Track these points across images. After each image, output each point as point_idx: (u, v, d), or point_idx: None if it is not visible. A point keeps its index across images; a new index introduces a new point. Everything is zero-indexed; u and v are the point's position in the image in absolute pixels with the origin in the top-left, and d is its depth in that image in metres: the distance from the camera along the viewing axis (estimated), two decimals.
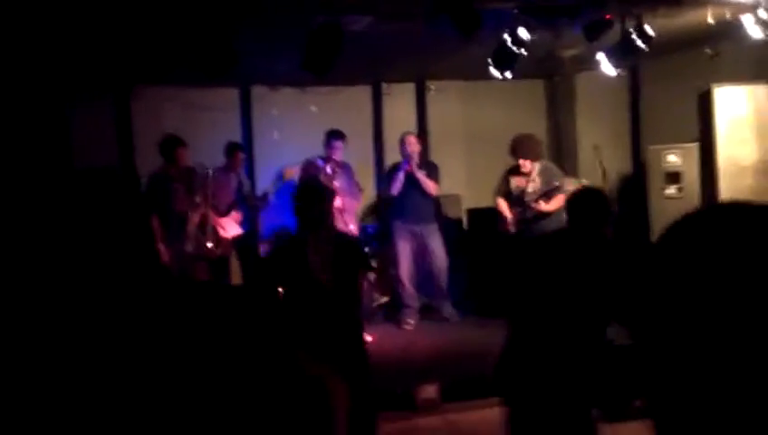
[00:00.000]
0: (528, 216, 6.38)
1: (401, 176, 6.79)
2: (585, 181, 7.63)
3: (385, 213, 8.28)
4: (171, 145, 6.29)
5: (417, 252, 6.95)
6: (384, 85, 8.76)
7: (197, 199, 6.23)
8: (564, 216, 6.82)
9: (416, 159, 6.86)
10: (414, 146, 6.86)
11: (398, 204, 6.94)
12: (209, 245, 6.32)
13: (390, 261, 7.76)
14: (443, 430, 4.89)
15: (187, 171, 6.34)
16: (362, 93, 8.75)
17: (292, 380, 1.31)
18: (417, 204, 6.85)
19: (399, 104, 8.82)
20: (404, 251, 6.90)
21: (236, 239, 6.78)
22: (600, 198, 3.62)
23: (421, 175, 6.80)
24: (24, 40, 5.51)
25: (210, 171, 6.51)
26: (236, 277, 6.98)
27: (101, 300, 1.33)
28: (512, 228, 6.46)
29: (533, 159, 6.45)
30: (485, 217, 7.26)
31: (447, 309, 7.03)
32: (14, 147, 6.39)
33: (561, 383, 3.18)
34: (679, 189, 7.01)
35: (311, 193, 4.12)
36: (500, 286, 6.38)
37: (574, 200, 3.61)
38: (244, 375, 1.26)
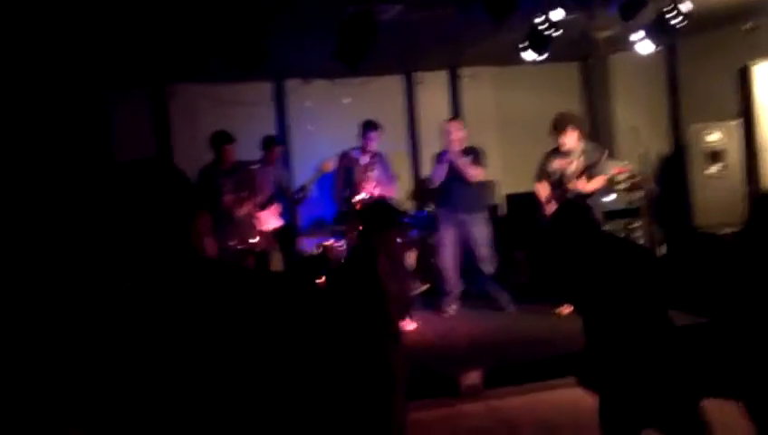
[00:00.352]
0: (568, 196, 6.30)
1: (443, 166, 6.75)
2: (626, 163, 7.55)
3: (427, 200, 8.30)
4: (220, 140, 6.41)
5: (461, 240, 6.90)
6: (416, 74, 8.75)
7: (244, 194, 6.31)
8: (602, 198, 6.80)
9: (457, 146, 6.78)
10: (456, 133, 6.77)
11: (443, 192, 6.89)
12: (253, 240, 6.39)
13: (432, 249, 7.77)
14: (486, 416, 4.88)
15: (235, 166, 6.43)
16: (395, 83, 8.75)
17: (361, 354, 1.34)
18: (461, 192, 6.79)
19: (432, 92, 8.81)
20: (447, 238, 6.87)
21: (277, 232, 6.85)
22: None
23: (461, 162, 6.72)
24: (62, 38, 5.61)
25: (255, 167, 6.58)
26: (277, 270, 7.04)
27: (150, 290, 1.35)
28: (549, 209, 6.37)
29: (577, 130, 6.34)
30: (523, 203, 7.22)
31: (504, 299, 6.95)
32: (59, 143, 6.55)
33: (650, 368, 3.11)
34: (722, 168, 6.87)
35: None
36: (556, 276, 6.35)
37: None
38: (315, 351, 1.29)
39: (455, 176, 6.74)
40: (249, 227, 6.38)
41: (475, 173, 6.75)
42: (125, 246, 1.39)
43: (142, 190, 1.41)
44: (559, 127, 6.32)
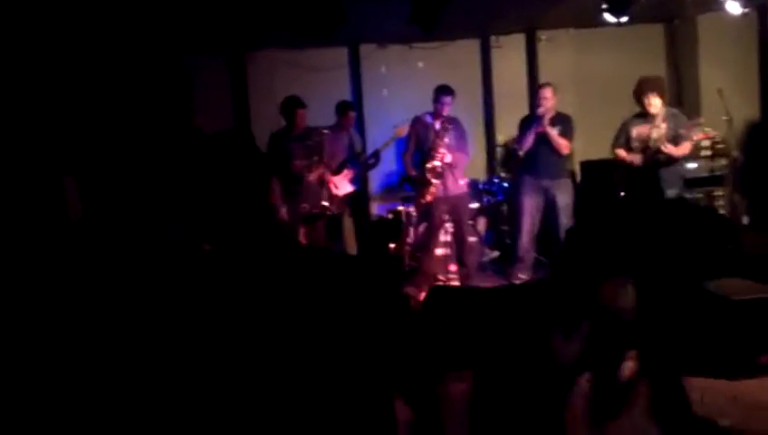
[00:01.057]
0: (658, 159, 6.10)
1: (532, 135, 6.63)
2: (709, 130, 7.27)
3: (502, 167, 8.20)
4: (292, 105, 6.44)
5: (543, 208, 6.79)
6: (493, 38, 8.60)
7: (315, 159, 6.38)
8: (685, 165, 6.56)
9: (549, 114, 6.64)
10: (549, 101, 6.57)
11: (528, 158, 6.76)
12: (325, 203, 6.47)
13: (503, 216, 7.70)
14: None
15: (306, 132, 6.49)
16: (471, 47, 8.64)
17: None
18: (547, 159, 6.65)
19: (509, 57, 8.65)
20: (528, 206, 6.76)
21: (349, 197, 6.92)
22: None
23: (554, 133, 6.58)
24: (142, 3, 5.77)
25: (326, 132, 6.65)
26: (349, 235, 7.13)
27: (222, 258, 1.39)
28: (637, 161, 6.19)
29: (661, 95, 6.15)
30: (600, 170, 7.04)
31: None
32: (140, 107, 6.78)
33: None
34: None
35: None
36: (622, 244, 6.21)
37: None
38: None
39: (541, 142, 6.62)
40: (320, 191, 6.47)
41: (565, 144, 6.62)
42: (203, 212, 1.43)
43: (218, 162, 1.45)
44: (642, 91, 6.12)
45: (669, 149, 6.01)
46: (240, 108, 8.12)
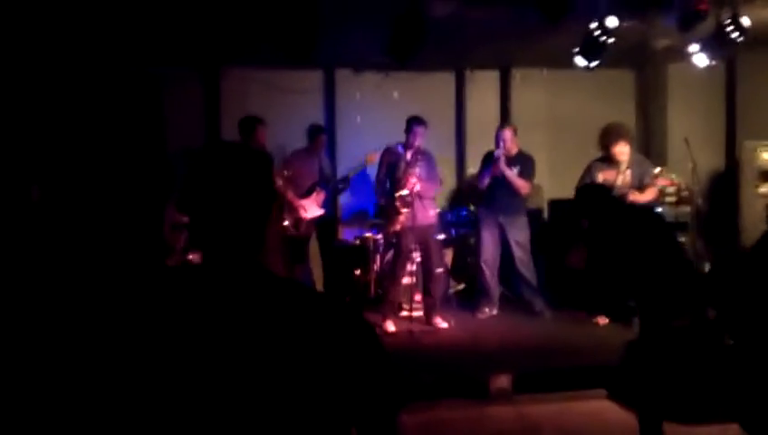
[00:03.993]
0: None
1: (486, 178, 6.71)
2: (674, 177, 7.41)
3: (469, 200, 8.25)
4: (251, 124, 6.38)
5: (501, 242, 6.88)
6: (468, 72, 8.70)
7: (278, 179, 6.33)
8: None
9: (508, 153, 6.68)
10: (508, 142, 6.70)
11: (487, 195, 6.88)
12: (285, 223, 6.44)
13: (470, 248, 7.73)
14: (513, 420, 4.86)
15: (268, 152, 6.44)
16: (446, 80, 8.71)
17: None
18: (504, 198, 6.77)
19: (483, 92, 8.75)
20: (487, 239, 6.85)
21: (317, 220, 6.89)
22: None
23: (511, 174, 6.68)
24: (117, 16, 5.72)
25: (290, 152, 6.61)
26: (315, 259, 7.08)
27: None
28: None
29: (630, 142, 6.26)
30: (567, 209, 7.13)
31: (539, 304, 6.90)
32: (113, 125, 6.70)
33: None
34: None
35: None
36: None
37: None
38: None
39: (499, 180, 6.72)
40: (282, 212, 6.44)
41: (523, 186, 6.72)
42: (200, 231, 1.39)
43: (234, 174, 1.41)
44: (612, 139, 6.22)
45: (635, 196, 6.11)
46: (211, 124, 8.07)
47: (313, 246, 6.92)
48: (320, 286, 6.94)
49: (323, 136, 7.12)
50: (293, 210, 6.58)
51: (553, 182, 8.06)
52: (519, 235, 6.83)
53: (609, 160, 6.31)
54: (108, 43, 6.46)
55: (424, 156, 6.79)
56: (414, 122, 6.76)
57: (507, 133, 6.76)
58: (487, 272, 6.87)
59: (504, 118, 8.49)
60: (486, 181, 6.74)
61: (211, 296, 1.32)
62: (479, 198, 7.07)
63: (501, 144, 6.70)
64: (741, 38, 5.37)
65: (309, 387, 1.26)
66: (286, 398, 1.25)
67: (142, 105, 7.10)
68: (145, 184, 5.88)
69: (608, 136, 6.26)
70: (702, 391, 4.30)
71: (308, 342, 1.29)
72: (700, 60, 6.00)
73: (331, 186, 7.07)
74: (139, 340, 1.27)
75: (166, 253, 5.71)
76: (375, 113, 8.25)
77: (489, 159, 6.83)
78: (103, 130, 6.52)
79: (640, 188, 6.19)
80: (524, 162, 6.79)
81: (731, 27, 5.34)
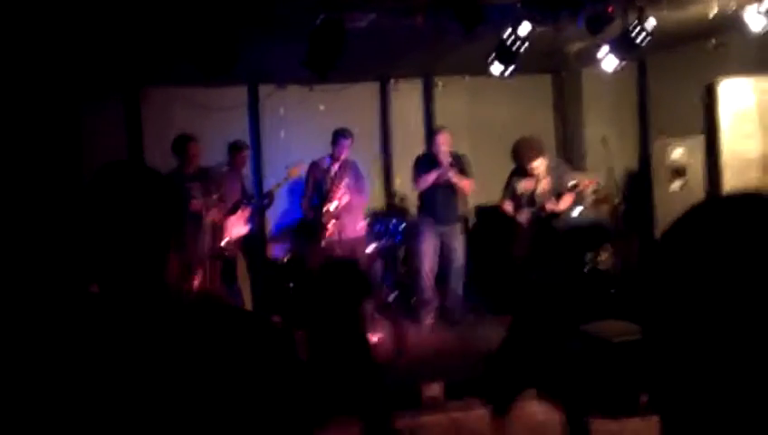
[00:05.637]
0: (542, 215, 6.37)
1: (431, 178, 6.75)
2: (592, 176, 7.63)
3: (399, 209, 8.30)
4: (183, 142, 6.28)
5: (440, 251, 6.94)
6: (391, 82, 8.79)
7: (213, 198, 6.24)
8: (574, 212, 6.86)
9: (446, 157, 6.74)
10: (446, 145, 6.78)
11: (427, 204, 6.93)
12: (223, 244, 6.35)
13: (401, 258, 7.78)
14: (447, 427, 4.90)
15: (202, 170, 6.35)
16: (370, 90, 8.77)
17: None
18: (445, 203, 6.84)
19: (407, 101, 8.85)
20: (428, 249, 6.90)
21: (243, 238, 6.81)
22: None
23: (458, 179, 6.76)
24: (33, 42, 5.58)
25: (224, 169, 6.52)
26: (243, 277, 7.00)
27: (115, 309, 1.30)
28: (524, 223, 6.43)
29: (543, 154, 6.42)
30: (492, 215, 7.26)
31: (460, 312, 6.99)
32: (28, 147, 6.49)
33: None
34: (684, 184, 6.99)
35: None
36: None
37: None
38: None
39: (440, 188, 6.78)
40: (217, 232, 6.34)
41: (469, 182, 6.81)
42: (100, 255, 1.33)
43: (132, 196, 1.33)
44: (525, 156, 6.35)
45: (552, 206, 6.28)
46: (134, 146, 7.91)
47: (241, 266, 6.83)
48: (249, 305, 6.86)
49: (245, 152, 7.06)
50: (218, 229, 6.49)
51: (479, 188, 8.18)
52: (456, 242, 6.91)
53: (526, 171, 6.44)
54: (23, 66, 6.28)
55: (351, 168, 6.83)
56: (339, 135, 6.80)
57: (445, 137, 6.84)
58: (428, 281, 6.92)
59: (429, 126, 8.60)
60: (428, 185, 6.78)
61: (115, 324, 1.26)
62: (419, 205, 7.12)
63: (440, 148, 6.76)
64: (647, 40, 5.58)
65: (219, 411, 1.22)
66: (196, 424, 1.21)
67: (58, 129, 6.92)
68: (59, 209, 5.71)
69: (521, 153, 6.39)
70: (624, 384, 4.45)
71: (214, 364, 1.24)
72: (609, 62, 6.21)
73: (254, 202, 7.00)
74: (40, 372, 1.22)
75: (88, 279, 5.54)
76: (300, 127, 8.23)
77: (425, 163, 6.88)
78: (15, 155, 6.32)
79: (559, 194, 6.35)
80: (460, 161, 6.89)
81: (637, 29, 5.54)
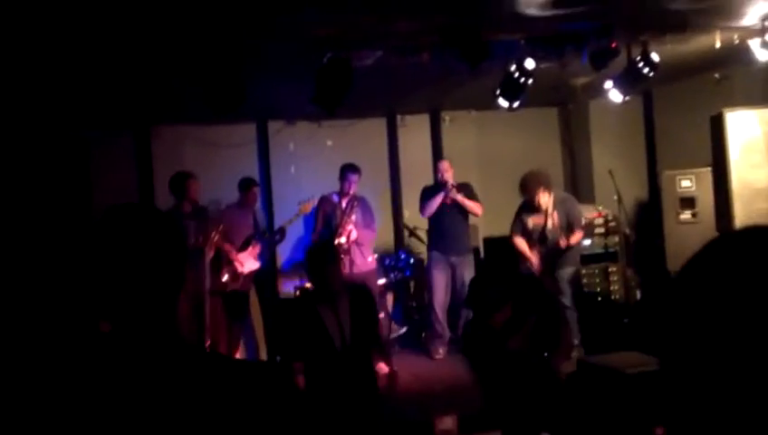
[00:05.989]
0: (556, 252, 6.36)
1: (437, 201, 6.81)
2: (601, 208, 7.64)
3: (409, 243, 8.32)
4: (181, 180, 6.31)
5: (451, 283, 6.95)
6: (399, 117, 8.86)
7: (212, 235, 6.25)
8: (581, 244, 6.86)
9: (451, 180, 6.84)
10: (448, 172, 6.88)
11: (436, 234, 6.97)
12: (224, 279, 6.36)
13: (411, 292, 7.78)
14: None
15: (198, 209, 6.37)
16: (378, 126, 8.86)
17: None
18: (455, 234, 6.88)
19: (415, 136, 8.92)
20: (440, 282, 6.91)
21: (255, 274, 6.83)
22: None
23: (462, 198, 6.82)
24: (44, 80, 5.68)
25: (224, 206, 6.55)
26: (256, 313, 7.02)
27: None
28: (537, 269, 6.39)
29: (549, 189, 6.41)
30: (502, 247, 7.26)
31: None
32: (37, 185, 6.57)
33: None
34: (694, 214, 6.99)
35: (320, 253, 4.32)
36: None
37: None
38: None
39: (447, 215, 6.82)
40: (220, 267, 6.34)
41: (475, 206, 6.86)
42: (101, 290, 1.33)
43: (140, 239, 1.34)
44: (532, 189, 6.35)
45: (564, 243, 6.26)
46: (145, 184, 7.99)
47: (253, 301, 6.86)
48: (261, 340, 6.87)
49: (256, 188, 7.11)
50: (231, 264, 6.52)
51: (488, 220, 8.21)
52: (467, 273, 6.92)
53: (534, 205, 6.43)
54: (33, 106, 6.38)
55: (359, 203, 6.87)
56: (348, 170, 6.85)
57: (446, 164, 6.96)
58: (440, 313, 6.93)
59: (437, 160, 8.64)
60: (433, 209, 6.83)
61: (120, 370, 1.26)
62: (429, 239, 7.14)
63: (442, 173, 6.85)
64: (651, 73, 5.62)
65: None
66: None
67: (67, 170, 7.00)
68: (68, 250, 5.75)
69: (528, 187, 6.39)
70: (638, 416, 4.41)
71: (217, 415, 1.24)
72: (615, 96, 6.25)
73: (266, 238, 7.04)
74: (47, 415, 1.22)
75: (98, 319, 5.55)
76: (309, 163, 8.31)
77: (430, 191, 6.95)
78: (25, 195, 6.39)
79: (568, 226, 6.34)
80: (466, 188, 6.96)
81: (641, 63, 5.59)
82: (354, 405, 4.11)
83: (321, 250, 4.47)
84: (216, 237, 5.99)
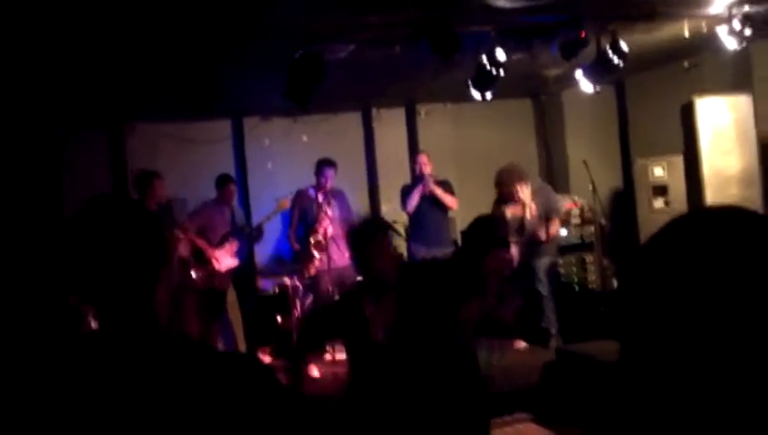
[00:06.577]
0: (534, 243, 6.38)
1: (417, 194, 6.84)
2: (577, 199, 7.70)
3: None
4: (147, 178, 6.28)
5: None
6: (374, 111, 8.87)
7: (179, 232, 6.22)
8: (559, 237, 6.90)
9: (429, 172, 6.88)
10: (426, 166, 6.91)
11: (417, 227, 6.99)
12: (194, 275, 6.34)
13: None
14: None
15: (163, 206, 6.35)
16: (353, 120, 8.85)
17: None
18: (436, 227, 6.90)
19: (390, 129, 8.92)
20: None
21: (233, 271, 6.82)
22: None
23: (440, 192, 6.85)
24: (17, 78, 5.62)
25: (200, 204, 6.52)
26: (234, 310, 6.99)
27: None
28: (515, 260, 6.39)
29: (527, 181, 6.42)
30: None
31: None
32: (6, 187, 6.50)
33: None
34: (666, 202, 7.07)
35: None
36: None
37: None
38: None
39: (428, 208, 6.84)
40: (190, 264, 6.32)
41: (451, 200, 6.89)
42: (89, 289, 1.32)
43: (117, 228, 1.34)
44: (510, 184, 6.34)
45: (543, 234, 6.29)
46: (119, 182, 7.93)
47: (231, 298, 6.82)
48: (240, 338, 6.85)
49: (232, 185, 7.08)
50: (207, 262, 6.50)
51: (465, 212, 8.23)
52: None
53: (510, 198, 6.43)
54: (2, 104, 6.31)
55: (336, 197, 6.87)
56: (324, 164, 6.84)
57: (424, 157, 6.98)
58: None
59: (414, 153, 8.66)
60: (415, 203, 6.85)
61: (101, 368, 1.25)
62: (410, 232, 7.16)
63: (421, 166, 6.87)
64: (621, 63, 5.67)
65: None
66: None
67: (38, 170, 6.93)
68: (41, 250, 5.70)
69: (505, 183, 6.35)
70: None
71: (202, 407, 1.23)
72: (587, 87, 6.29)
73: (244, 235, 7.02)
74: (28, 416, 1.22)
75: (76, 321, 5.52)
76: (286, 158, 8.29)
77: (410, 187, 6.98)
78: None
79: (547, 215, 6.37)
80: (443, 183, 6.98)
81: (611, 53, 5.63)
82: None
83: (362, 229, 3.70)
84: (183, 237, 5.97)
